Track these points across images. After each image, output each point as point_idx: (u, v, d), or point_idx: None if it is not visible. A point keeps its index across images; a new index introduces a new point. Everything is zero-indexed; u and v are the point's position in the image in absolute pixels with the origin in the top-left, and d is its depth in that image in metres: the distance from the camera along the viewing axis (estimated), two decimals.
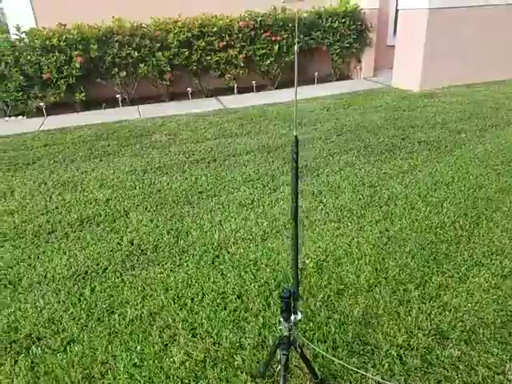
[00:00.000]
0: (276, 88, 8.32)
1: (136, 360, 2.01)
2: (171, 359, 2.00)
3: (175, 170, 4.31)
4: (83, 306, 2.39)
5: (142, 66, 7.16)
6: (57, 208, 3.65)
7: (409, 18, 7.14)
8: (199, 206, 3.54)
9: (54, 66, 6.63)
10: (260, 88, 8.21)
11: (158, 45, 7.15)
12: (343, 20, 7.99)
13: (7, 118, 6.86)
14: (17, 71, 6.46)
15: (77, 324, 2.25)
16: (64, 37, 6.58)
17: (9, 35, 6.78)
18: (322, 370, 1.90)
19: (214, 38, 7.39)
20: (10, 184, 4.19)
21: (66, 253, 2.95)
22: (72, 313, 2.34)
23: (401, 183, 3.81)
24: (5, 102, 6.86)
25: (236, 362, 1.97)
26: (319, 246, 2.88)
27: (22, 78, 6.54)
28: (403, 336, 2.06)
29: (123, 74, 7.15)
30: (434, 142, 4.77)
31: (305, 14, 7.74)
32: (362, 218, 3.26)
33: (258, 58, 7.84)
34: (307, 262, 2.71)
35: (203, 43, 7.35)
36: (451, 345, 1.99)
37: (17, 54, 6.44)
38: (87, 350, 2.07)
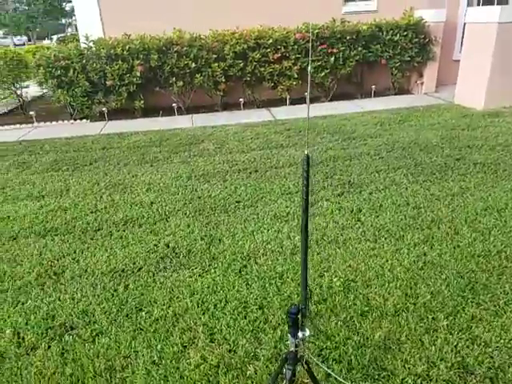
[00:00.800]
0: (330, 100, 8.33)
1: (155, 358, 2.15)
2: (188, 361, 2.12)
3: (217, 179, 4.50)
4: (115, 302, 2.59)
5: (198, 76, 7.53)
6: (105, 208, 3.96)
7: (476, 31, 6.85)
8: (235, 214, 3.67)
9: (116, 73, 7.18)
10: (313, 100, 8.27)
11: (215, 56, 7.48)
12: (405, 33, 7.84)
13: (73, 121, 7.52)
14: (83, 78, 7.09)
15: (107, 318, 2.45)
16: (127, 46, 7.12)
17: (79, 43, 7.47)
18: None
19: (269, 49, 7.59)
20: (67, 183, 4.61)
21: (107, 250, 3.21)
22: (104, 307, 2.55)
23: (448, 206, 3.68)
24: (71, 106, 7.53)
25: (248, 372, 2.03)
26: (349, 265, 2.88)
27: (87, 84, 7.16)
28: (423, 366, 2.01)
29: (180, 83, 7.56)
30: (491, 164, 4.53)
31: (364, 27, 7.70)
32: (400, 239, 3.19)
33: (312, 70, 7.91)
34: (334, 280, 2.71)
35: (258, 55, 7.57)
36: (474, 381, 1.90)
37: (84, 61, 7.07)
38: (112, 343, 2.25)
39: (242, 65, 7.60)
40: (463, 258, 2.87)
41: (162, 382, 2.01)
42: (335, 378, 1.96)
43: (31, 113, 7.41)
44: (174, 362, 2.12)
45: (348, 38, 7.69)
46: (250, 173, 4.69)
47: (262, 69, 7.74)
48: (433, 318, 2.32)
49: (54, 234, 3.50)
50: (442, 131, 5.82)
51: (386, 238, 3.22)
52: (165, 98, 7.76)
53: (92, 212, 3.88)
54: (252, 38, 7.52)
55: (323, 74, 7.93)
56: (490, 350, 2.08)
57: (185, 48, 7.36)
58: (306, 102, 8.09)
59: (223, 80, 7.65)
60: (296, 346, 1.66)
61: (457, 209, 3.62)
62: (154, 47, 7.23)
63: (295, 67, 7.77)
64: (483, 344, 2.11)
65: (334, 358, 2.09)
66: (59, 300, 2.62)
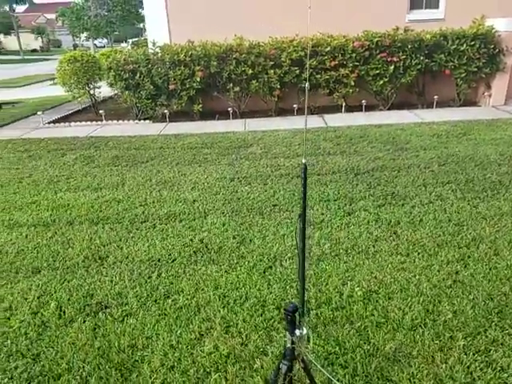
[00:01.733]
0: (388, 109, 8.16)
1: (173, 342, 2.33)
2: (201, 348, 2.28)
3: (258, 182, 4.65)
4: (147, 288, 2.83)
5: (254, 82, 7.77)
6: (153, 202, 4.28)
7: None
8: (269, 217, 3.79)
9: (179, 78, 7.63)
10: (370, 108, 8.15)
11: (271, 63, 7.67)
12: (472, 42, 7.48)
13: (137, 121, 8.10)
14: (148, 81, 7.63)
15: (138, 301, 2.69)
16: (190, 53, 7.54)
17: (147, 48, 8.04)
18: None
19: (326, 57, 7.63)
20: (124, 177, 5.02)
21: (148, 240, 3.48)
22: (137, 291, 2.79)
23: (493, 226, 3.50)
24: (137, 107, 8.11)
25: (255, 365, 2.14)
26: (375, 277, 2.87)
27: (152, 87, 7.68)
28: (429, 382, 1.98)
29: (237, 89, 7.85)
30: None
31: (427, 36, 7.46)
32: (433, 256, 3.12)
33: (370, 78, 7.82)
34: (356, 289, 2.73)
35: (314, 62, 7.64)
36: None
37: (150, 66, 7.60)
38: (138, 324, 2.48)
39: (297, 71, 7.72)
40: (497, 280, 2.75)
41: (175, 363, 2.18)
42: (329, 381, 2.00)
43: (101, 112, 8.11)
44: (189, 347, 2.29)
45: (409, 46, 7.50)
46: (292, 178, 4.79)
47: (318, 76, 7.79)
48: (450, 337, 2.27)
49: (105, 222, 3.86)
50: (503, 147, 5.49)
51: (419, 253, 3.15)
52: (221, 102, 8.08)
53: (141, 205, 4.21)
54: (309, 46, 7.60)
55: (382, 82, 7.80)
56: (506, 375, 2.00)
57: (243, 55, 7.63)
58: (363, 110, 8.02)
59: (278, 86, 7.82)
60: (292, 343, 1.75)
61: (502, 229, 3.44)
62: (214, 54, 7.58)
63: (352, 75, 7.73)
64: (499, 369, 2.03)
65: (340, 363, 2.14)
66: (99, 281, 2.92)
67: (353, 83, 7.77)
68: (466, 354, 2.14)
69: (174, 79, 7.65)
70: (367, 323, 2.42)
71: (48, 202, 4.37)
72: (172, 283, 2.87)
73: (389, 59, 7.60)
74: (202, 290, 2.78)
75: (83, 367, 2.17)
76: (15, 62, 31.19)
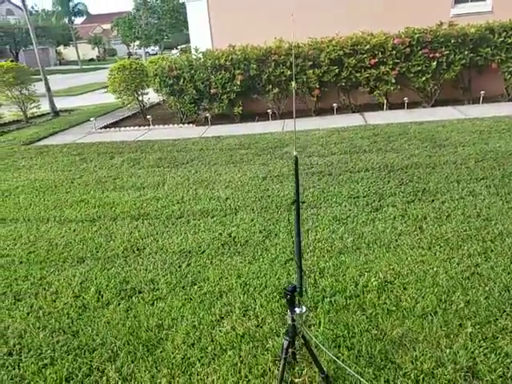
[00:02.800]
0: (432, 106, 8.02)
1: (196, 323, 2.60)
2: (220, 329, 2.52)
3: (289, 180, 4.84)
4: (177, 276, 3.13)
5: (292, 83, 7.95)
6: (189, 200, 4.62)
7: None
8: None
9: (220, 82, 8.01)
10: (413, 105, 8.05)
11: (310, 63, 7.82)
12: None
13: (181, 125, 8.58)
14: (191, 86, 8.08)
15: (167, 287, 3.00)
16: (230, 57, 7.89)
17: (190, 55, 8.51)
18: (336, 371, 2.13)
19: (365, 55, 7.66)
20: (165, 178, 5.42)
21: (181, 234, 3.81)
22: (167, 279, 3.10)
23: None
24: (181, 112, 8.60)
25: (268, 345, 2.35)
26: (392, 269, 2.97)
27: (194, 92, 8.13)
28: (431, 364, 2.09)
29: (276, 90, 8.08)
30: None
31: (472, 30, 7.26)
32: (455, 249, 3.15)
33: (412, 75, 7.74)
34: (372, 280, 2.86)
35: (354, 61, 7.69)
36: None
37: (192, 71, 8.04)
38: (166, 307, 2.78)
39: (337, 71, 7.81)
40: None
41: (196, 341, 2.45)
42: (335, 360, 2.16)
43: (148, 117, 8.69)
44: (209, 328, 2.54)
45: (453, 41, 7.34)
46: (323, 176, 4.93)
47: (358, 74, 7.84)
48: (459, 325, 2.34)
49: (145, 218, 4.25)
50: None
51: (441, 247, 3.20)
52: (261, 104, 8.36)
53: (178, 202, 4.56)
54: (348, 45, 7.68)
55: (424, 78, 7.70)
56: (509, 361, 2.06)
57: (282, 57, 7.86)
58: (406, 107, 7.94)
59: (317, 86, 7.95)
60: (293, 320, 1.94)
61: None
62: (253, 57, 7.88)
63: (393, 72, 7.70)
64: (503, 354, 2.09)
65: (346, 345, 2.29)
66: (135, 270, 3.27)
67: (394, 80, 7.73)
68: (471, 341, 2.21)
69: (215, 83, 8.04)
70: (378, 311, 2.54)
71: (95, 200, 4.85)
72: (199, 272, 3.15)
73: (431, 55, 7.49)
74: (226, 278, 3.03)
75: (115, 343, 2.49)
76: (74, 72, 33.59)
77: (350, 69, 7.79)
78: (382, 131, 6.58)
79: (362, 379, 1.99)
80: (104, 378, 2.25)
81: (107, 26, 45.04)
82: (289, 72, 7.85)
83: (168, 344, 2.45)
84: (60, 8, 38.74)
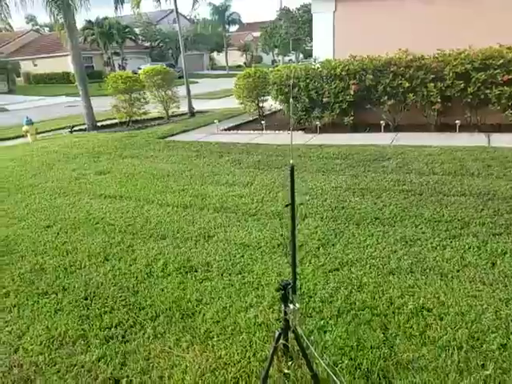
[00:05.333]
0: None
1: (227, 305, 2.94)
2: (245, 314, 2.82)
3: (372, 195, 4.82)
4: (228, 263, 3.51)
5: (410, 95, 7.70)
6: (267, 201, 4.97)
7: None
8: (364, 228, 4.00)
9: (333, 91, 8.20)
10: None
11: (432, 76, 7.46)
12: None
13: (290, 132, 9.00)
14: (305, 95, 8.43)
15: (217, 271, 3.40)
16: (346, 67, 8.01)
17: (308, 65, 8.87)
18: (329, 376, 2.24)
19: (498, 70, 6.99)
20: (255, 178, 5.88)
21: (247, 230, 4.18)
22: (220, 264, 3.51)
23: None
24: (294, 119, 9.02)
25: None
26: (437, 297, 2.86)
27: (307, 100, 8.46)
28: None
29: (391, 101, 7.91)
30: None
31: None
32: None
33: None
34: (409, 303, 2.80)
35: (484, 76, 7.08)
36: None
37: (308, 80, 8.38)
38: (210, 288, 3.18)
39: (462, 85, 7.30)
40: None
41: (221, 320, 2.79)
42: (333, 366, 2.26)
43: (262, 122, 9.33)
44: (236, 312, 2.86)
45: None
46: (412, 195, 4.78)
47: (488, 91, 7.19)
48: (481, 365, 2.20)
49: (224, 211, 4.74)
50: None
51: (505, 286, 2.94)
52: (374, 115, 8.27)
53: (257, 202, 4.95)
54: (479, 59, 7.11)
55: None
56: None
57: (401, 68, 7.67)
58: None
59: (439, 100, 7.54)
60: (285, 314, 2.14)
61: None
62: (371, 67, 7.86)
63: None
64: None
65: (350, 355, 2.36)
66: (199, 252, 3.76)
67: None
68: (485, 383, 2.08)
69: (329, 92, 8.25)
70: (399, 333, 2.53)
71: (193, 190, 5.56)
72: (248, 264, 3.49)
73: None
74: (268, 274, 3.30)
75: (160, 306, 2.99)
76: (222, 77, 37.03)
77: (478, 84, 7.19)
78: (502, 155, 5.95)
79: None
80: (142, 332, 2.76)
81: (258, 34, 48.28)
82: (407, 84, 7.62)
83: (199, 317, 2.85)
84: (217, 17, 43.20)
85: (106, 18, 34.84)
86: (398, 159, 6.19)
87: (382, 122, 8.11)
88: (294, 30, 28.18)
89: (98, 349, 2.62)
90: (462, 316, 2.64)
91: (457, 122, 7.59)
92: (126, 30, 35.93)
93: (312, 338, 2.54)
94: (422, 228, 3.97)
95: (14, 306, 3.15)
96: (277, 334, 2.16)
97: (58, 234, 4.46)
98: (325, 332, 2.60)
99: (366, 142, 7.33)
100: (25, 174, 7.09)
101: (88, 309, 3.06)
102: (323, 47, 9.03)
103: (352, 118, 8.32)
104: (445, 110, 7.72)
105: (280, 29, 29.24)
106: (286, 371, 2.24)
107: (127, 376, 2.39)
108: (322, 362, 2.15)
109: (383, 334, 2.54)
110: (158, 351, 2.57)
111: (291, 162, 1.95)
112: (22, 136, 11.19)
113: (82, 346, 2.67)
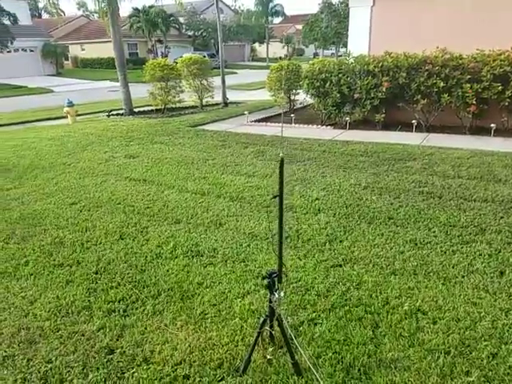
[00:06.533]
0: None
1: (226, 290, 3.03)
2: (240, 300, 2.90)
3: (391, 194, 4.75)
4: (234, 251, 3.60)
5: (445, 95, 7.46)
6: (285, 194, 5.00)
7: None
8: (375, 227, 3.97)
9: (365, 88, 8.06)
10: None
11: (469, 77, 7.19)
12: None
13: (319, 126, 8.95)
14: (336, 90, 8.34)
15: (222, 257, 3.50)
16: (380, 64, 7.84)
17: (341, 59, 8.75)
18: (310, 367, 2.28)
19: None
20: (275, 171, 5.69)
21: (257, 220, 4.25)
22: (225, 251, 3.60)
23: None
24: (323, 114, 8.95)
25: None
26: (435, 301, 2.83)
27: (338, 95, 8.37)
28: None
29: (425, 101, 7.69)
30: None
31: None
32: None
33: None
34: (405, 305, 2.79)
35: None
36: None
37: (340, 75, 8.28)
38: (212, 272, 3.28)
39: (500, 88, 7.00)
40: None
41: (217, 303, 2.89)
42: (316, 357, 2.30)
43: (292, 115, 9.31)
44: (233, 297, 2.95)
45: None
46: (431, 197, 4.68)
47: None
48: (465, 372, 2.18)
49: (240, 201, 4.82)
50: None
51: (509, 296, 2.86)
52: (406, 113, 8.07)
53: (272, 194, 4.98)
54: None
55: None
56: None
57: (437, 67, 7.43)
58: None
59: (474, 102, 7.27)
60: (270, 301, 2.20)
61: None
62: (405, 65, 7.66)
63: None
64: None
65: (335, 349, 2.39)
66: (208, 238, 3.87)
67: None
68: None
69: (360, 88, 8.12)
70: (389, 332, 2.53)
71: (213, 179, 5.67)
72: (253, 253, 3.56)
73: None
74: (270, 264, 3.36)
75: (162, 286, 3.13)
76: (261, 68, 37.01)
77: None
78: None
79: (319, 379, 2.11)
80: (142, 308, 2.90)
81: (300, 27, 47.81)
82: (442, 83, 7.37)
83: (198, 299, 2.96)
84: (260, 8, 43.05)
85: (151, 7, 35.50)
86: (424, 160, 6.05)
87: (413, 121, 7.91)
88: (335, 24, 27.70)
89: (99, 320, 2.78)
90: (456, 322, 2.60)
91: (492, 125, 7.30)
92: (171, 18, 36.47)
93: (301, 328, 2.59)
94: (434, 231, 3.90)
95: (31, 274, 3.38)
96: (261, 320, 2.23)
97: (81, 211, 4.70)
98: (315, 324, 2.64)
99: (394, 141, 7.19)
100: (60, 153, 7.45)
101: (96, 282, 3.23)
102: (359, 42, 8.86)
103: (383, 115, 8.16)
104: (480, 112, 7.42)
105: (321, 22, 28.82)
106: (268, 357, 2.30)
107: (121, 347, 2.53)
108: (301, 350, 2.20)
109: (372, 331, 2.55)
110: (154, 327, 2.70)
111: (281, 154, 1.99)
112: (64, 117, 11.72)
113: (85, 316, 2.84)
